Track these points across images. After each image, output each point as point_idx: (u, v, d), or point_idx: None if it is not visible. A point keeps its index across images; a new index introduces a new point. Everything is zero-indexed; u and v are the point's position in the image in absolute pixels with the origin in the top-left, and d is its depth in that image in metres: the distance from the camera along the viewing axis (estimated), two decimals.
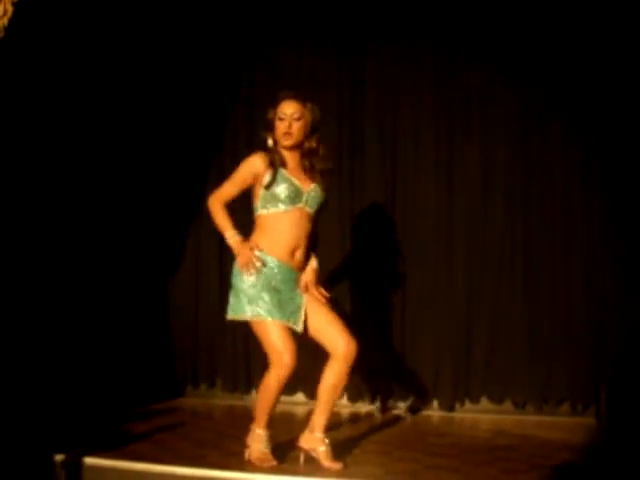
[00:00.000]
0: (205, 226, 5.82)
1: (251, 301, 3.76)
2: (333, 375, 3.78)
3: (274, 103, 3.86)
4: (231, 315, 3.86)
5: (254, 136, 5.46)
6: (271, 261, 3.79)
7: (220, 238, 5.68)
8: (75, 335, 5.28)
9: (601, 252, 5.29)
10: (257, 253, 3.78)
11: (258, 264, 3.75)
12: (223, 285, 5.80)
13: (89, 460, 3.79)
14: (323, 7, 5.65)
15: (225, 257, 5.76)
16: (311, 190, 3.84)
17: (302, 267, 3.90)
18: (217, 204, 3.86)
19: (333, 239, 5.51)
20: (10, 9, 4.12)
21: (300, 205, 3.82)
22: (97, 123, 5.47)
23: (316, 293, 3.88)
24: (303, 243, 3.85)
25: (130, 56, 5.54)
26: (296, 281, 3.86)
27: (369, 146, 5.68)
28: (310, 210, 3.85)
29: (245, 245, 3.80)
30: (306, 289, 3.87)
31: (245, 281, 3.78)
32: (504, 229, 5.48)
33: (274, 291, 3.77)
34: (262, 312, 3.74)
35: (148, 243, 5.75)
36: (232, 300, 3.84)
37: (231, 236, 3.82)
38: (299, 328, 3.80)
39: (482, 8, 5.42)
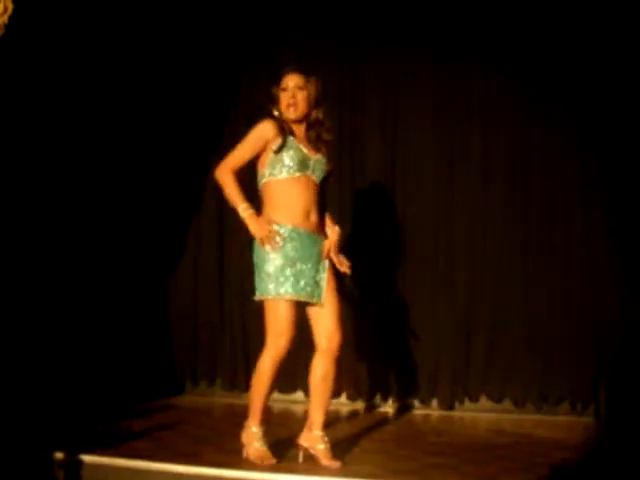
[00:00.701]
0: (205, 224, 5.85)
1: (274, 279, 3.68)
2: (320, 370, 3.77)
3: (278, 78, 3.83)
4: (257, 296, 3.77)
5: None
6: (286, 231, 3.72)
7: (220, 236, 5.77)
8: (75, 334, 5.29)
9: (600, 251, 5.29)
10: (275, 227, 3.71)
11: (277, 239, 3.69)
12: (222, 283, 5.83)
13: (88, 458, 3.79)
14: (324, 7, 5.65)
15: (225, 255, 5.78)
16: (317, 159, 3.81)
17: (320, 231, 3.84)
18: (226, 174, 3.74)
19: None
20: (10, 6, 4.12)
21: (307, 173, 3.77)
22: (97, 122, 5.48)
23: (336, 260, 3.84)
24: (315, 207, 3.80)
25: (131, 54, 5.55)
26: (317, 247, 3.79)
27: (369, 145, 5.68)
28: (316, 179, 3.81)
29: (261, 220, 3.71)
30: (328, 253, 3.82)
31: (266, 259, 3.70)
32: (504, 228, 5.48)
33: (297, 263, 3.70)
34: (285, 289, 3.67)
35: (147, 241, 5.75)
36: (257, 280, 3.76)
37: (244, 209, 3.70)
38: (321, 301, 3.75)
39: (484, 5, 5.41)
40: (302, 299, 3.73)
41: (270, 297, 3.69)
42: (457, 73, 5.54)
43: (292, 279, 3.69)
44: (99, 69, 5.41)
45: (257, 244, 3.74)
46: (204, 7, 5.66)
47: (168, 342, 5.84)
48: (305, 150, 3.79)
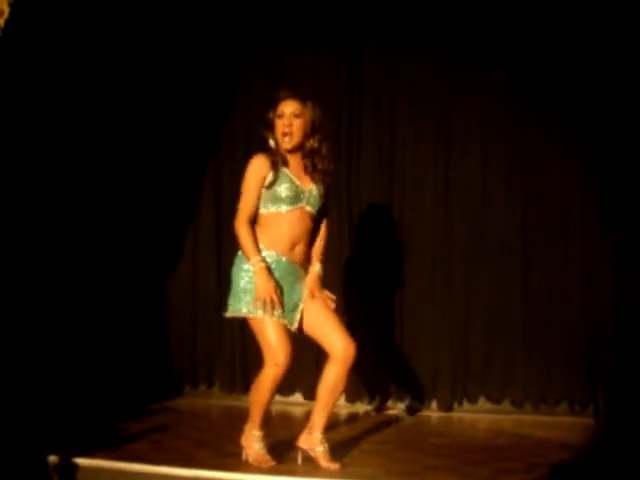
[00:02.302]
0: (203, 225, 5.84)
1: (249, 298, 3.71)
2: (332, 377, 3.76)
3: (274, 103, 3.81)
4: (229, 312, 3.81)
5: (251, 135, 5.50)
6: (269, 256, 3.74)
7: (218, 237, 5.77)
8: (72, 336, 5.28)
9: (598, 252, 5.29)
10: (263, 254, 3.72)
11: (274, 305, 3.67)
12: (221, 285, 5.79)
13: (84, 461, 3.77)
14: (320, 6, 5.65)
15: (223, 257, 5.77)
16: (312, 189, 3.81)
17: (303, 262, 3.85)
18: (244, 227, 3.74)
19: (330, 239, 5.46)
20: (7, 10, 4.12)
21: (301, 205, 3.78)
22: (95, 123, 5.47)
23: (322, 297, 3.85)
24: (304, 239, 3.82)
25: (128, 57, 5.54)
26: (296, 276, 3.82)
27: (366, 146, 5.68)
28: (311, 209, 3.82)
29: (270, 280, 3.69)
30: (312, 296, 3.83)
31: (244, 277, 3.74)
32: (501, 229, 5.48)
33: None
34: (259, 310, 3.69)
35: (146, 242, 5.75)
36: (230, 297, 3.81)
37: (257, 262, 3.69)
38: (294, 327, 3.78)
39: (482, 5, 5.42)
40: (277, 319, 3.71)
41: (244, 315, 3.74)
42: (456, 73, 5.53)
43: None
44: (97, 70, 5.40)
45: (239, 260, 3.79)
46: (201, 8, 5.65)
47: (166, 344, 5.83)
48: (298, 182, 3.78)
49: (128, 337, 5.61)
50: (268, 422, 3.89)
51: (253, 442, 3.82)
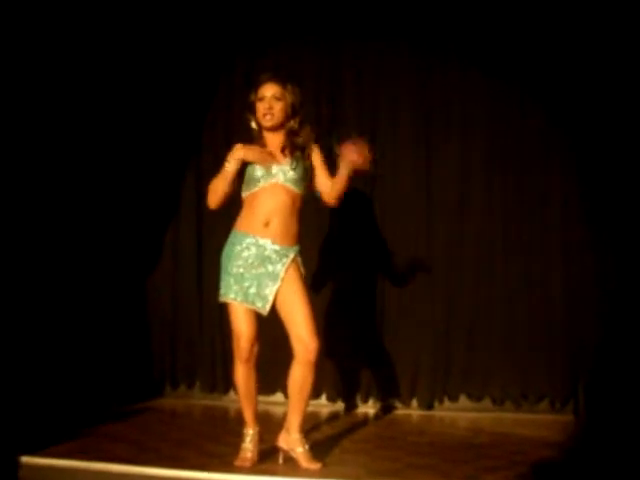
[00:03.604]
0: (183, 224, 5.82)
1: (225, 282, 3.81)
2: (297, 376, 3.78)
3: (255, 86, 3.86)
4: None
5: (232, 132, 5.48)
6: (243, 237, 3.79)
7: (199, 236, 5.75)
8: (51, 336, 5.23)
9: (578, 251, 5.32)
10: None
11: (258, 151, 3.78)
12: (201, 285, 5.80)
13: (66, 462, 3.75)
14: (301, 6, 5.64)
15: (204, 257, 5.75)
16: (286, 164, 3.81)
17: (283, 239, 3.80)
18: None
19: (311, 236, 5.46)
20: None
21: (274, 180, 3.79)
22: (76, 122, 5.43)
23: (294, 277, 3.80)
24: (279, 215, 3.79)
25: (109, 55, 5.51)
26: (272, 259, 3.78)
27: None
28: (288, 184, 3.80)
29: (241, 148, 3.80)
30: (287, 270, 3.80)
31: (224, 263, 3.84)
32: (482, 228, 5.50)
33: (246, 270, 3.77)
34: (227, 291, 3.79)
35: (126, 241, 5.71)
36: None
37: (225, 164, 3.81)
38: (265, 311, 3.78)
39: (463, 6, 5.43)
40: (246, 305, 3.78)
41: (222, 299, 3.83)
42: (435, 70, 5.55)
43: (234, 287, 3.78)
44: (81, 69, 5.36)
45: (225, 250, 3.86)
46: (178, 5, 5.63)
47: (147, 344, 5.80)
48: (272, 161, 3.81)
49: (108, 337, 5.57)
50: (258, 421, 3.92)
51: (242, 441, 3.85)
